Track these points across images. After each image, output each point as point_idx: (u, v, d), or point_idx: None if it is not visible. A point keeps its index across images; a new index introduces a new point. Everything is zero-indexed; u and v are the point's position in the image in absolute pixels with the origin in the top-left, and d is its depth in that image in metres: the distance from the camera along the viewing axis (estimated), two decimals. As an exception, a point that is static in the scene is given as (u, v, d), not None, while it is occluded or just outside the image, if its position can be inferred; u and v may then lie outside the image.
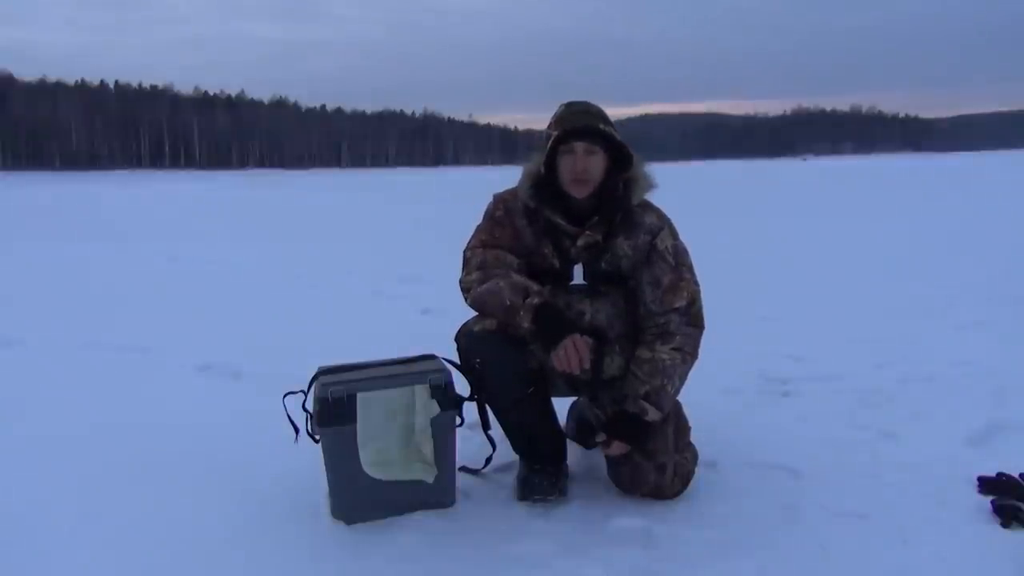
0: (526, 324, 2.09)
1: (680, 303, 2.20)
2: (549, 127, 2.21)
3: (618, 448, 2.18)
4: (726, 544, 1.98)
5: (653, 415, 2.14)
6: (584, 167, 2.16)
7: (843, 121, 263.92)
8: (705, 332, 2.25)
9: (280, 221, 14.26)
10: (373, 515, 2.12)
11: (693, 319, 2.22)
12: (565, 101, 2.27)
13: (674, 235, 2.27)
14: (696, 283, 2.26)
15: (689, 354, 2.21)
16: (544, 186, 2.22)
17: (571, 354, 2.05)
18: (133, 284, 6.46)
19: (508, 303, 2.10)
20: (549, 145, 2.17)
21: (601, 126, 2.17)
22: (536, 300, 2.09)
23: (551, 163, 2.21)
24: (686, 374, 2.21)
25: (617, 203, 2.22)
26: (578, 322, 2.19)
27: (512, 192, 2.31)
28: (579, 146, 2.15)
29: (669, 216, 2.31)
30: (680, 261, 2.24)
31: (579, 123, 2.16)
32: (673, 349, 2.17)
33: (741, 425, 2.82)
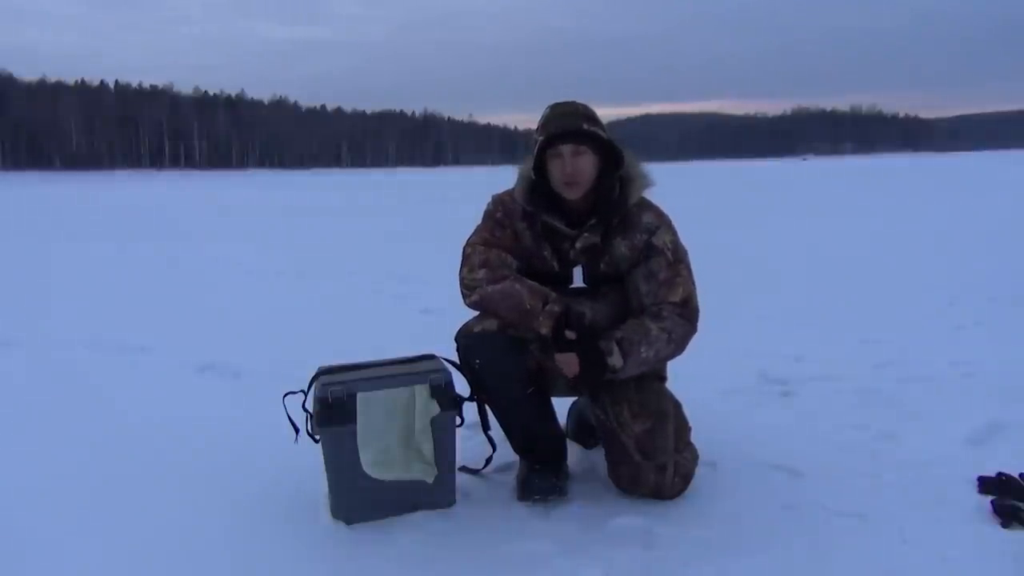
0: (544, 330, 2.08)
1: (675, 298, 2.16)
2: (536, 131, 2.20)
3: (567, 362, 2.08)
4: (726, 544, 1.98)
5: (616, 361, 2.07)
6: (573, 170, 2.14)
7: (843, 121, 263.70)
8: (697, 335, 2.19)
9: (280, 221, 14.25)
10: (373, 515, 2.12)
11: (687, 315, 2.17)
12: (551, 102, 2.25)
13: (673, 233, 2.24)
14: (693, 283, 2.21)
15: (675, 341, 2.14)
16: (538, 190, 2.22)
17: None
18: (133, 284, 6.46)
19: (527, 306, 2.09)
20: (536, 150, 2.16)
21: (585, 126, 2.14)
22: (557, 307, 2.08)
23: (542, 167, 2.20)
24: (663, 355, 2.15)
25: (614, 205, 2.20)
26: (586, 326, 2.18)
27: (510, 193, 2.30)
28: (565, 149, 2.14)
29: (669, 215, 2.29)
30: (678, 258, 2.21)
31: (563, 125, 2.14)
32: (661, 328, 2.12)
33: (741, 425, 2.82)
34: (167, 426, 2.86)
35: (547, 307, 2.08)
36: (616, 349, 2.08)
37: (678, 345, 2.17)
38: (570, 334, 2.10)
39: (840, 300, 5.25)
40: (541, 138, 2.15)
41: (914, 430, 2.72)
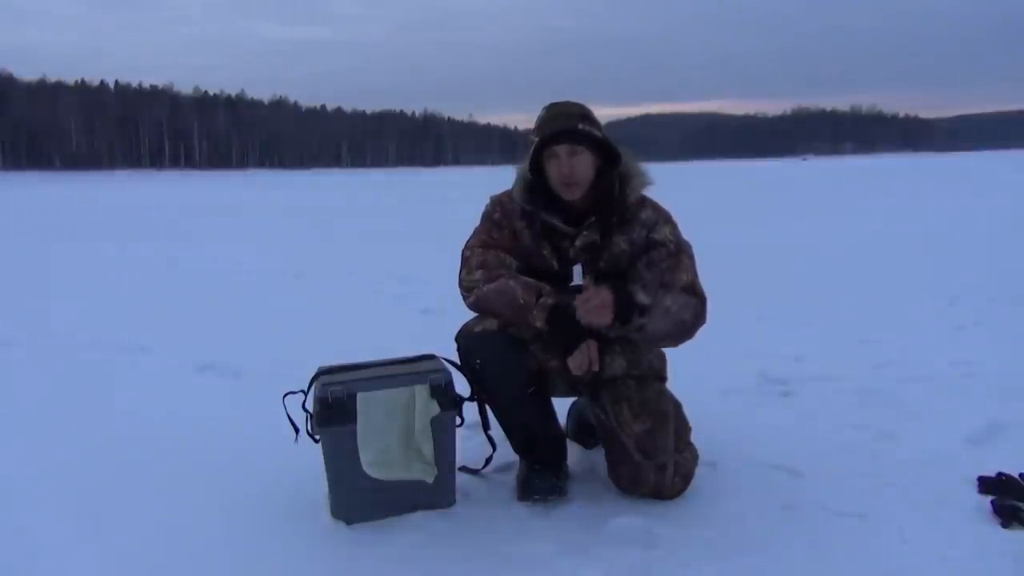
0: (539, 323, 2.08)
1: (680, 283, 2.13)
2: (532, 132, 2.20)
3: (598, 302, 1.96)
4: (726, 544, 1.98)
5: (643, 298, 2.03)
6: (570, 170, 2.14)
7: (843, 121, 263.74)
8: (698, 334, 2.17)
9: (280, 221, 14.25)
10: (373, 515, 2.12)
11: (695, 297, 2.14)
12: (547, 103, 2.23)
13: (673, 226, 2.23)
14: (696, 272, 2.19)
15: (690, 308, 2.09)
16: (537, 189, 2.22)
17: (588, 358, 2.08)
18: (133, 284, 6.46)
19: (521, 301, 2.09)
20: (532, 151, 2.16)
21: (580, 126, 2.13)
22: (550, 300, 2.09)
23: (539, 168, 2.20)
24: (682, 316, 2.08)
25: (613, 203, 2.19)
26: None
27: (508, 194, 2.29)
28: (561, 150, 2.13)
29: (668, 211, 2.28)
30: (680, 248, 2.19)
31: (557, 126, 2.14)
32: (675, 294, 2.10)
33: (741, 425, 2.82)
34: (167, 426, 2.86)
35: (540, 300, 2.09)
36: (640, 290, 2.05)
37: (694, 315, 2.11)
38: (587, 280, 2.08)
39: (840, 300, 5.25)
40: (537, 139, 2.15)
41: (914, 430, 2.72)
